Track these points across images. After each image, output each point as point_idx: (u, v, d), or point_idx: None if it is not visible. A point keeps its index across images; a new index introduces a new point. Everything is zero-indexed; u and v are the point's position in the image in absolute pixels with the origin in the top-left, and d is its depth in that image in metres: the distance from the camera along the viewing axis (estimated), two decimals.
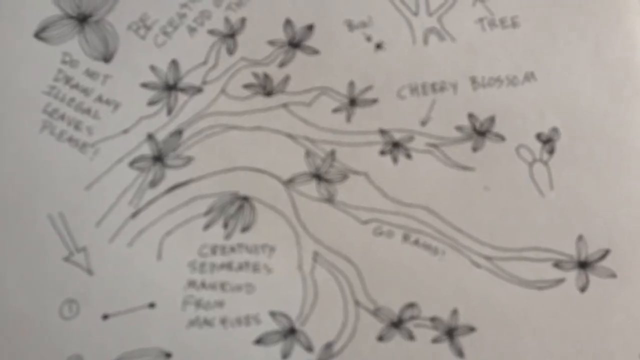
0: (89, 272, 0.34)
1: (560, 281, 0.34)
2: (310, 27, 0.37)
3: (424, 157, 0.35)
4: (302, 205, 0.35)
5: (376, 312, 0.33)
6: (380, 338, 0.33)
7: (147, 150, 0.35)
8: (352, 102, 0.36)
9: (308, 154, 0.35)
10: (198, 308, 0.33)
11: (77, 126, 0.35)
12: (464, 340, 0.33)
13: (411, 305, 0.33)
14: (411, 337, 0.33)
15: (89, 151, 0.35)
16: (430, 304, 0.34)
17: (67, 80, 0.36)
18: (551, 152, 0.35)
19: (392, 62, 0.36)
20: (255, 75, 0.36)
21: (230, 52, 0.37)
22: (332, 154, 0.35)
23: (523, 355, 0.33)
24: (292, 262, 0.34)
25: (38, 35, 0.36)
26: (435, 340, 0.33)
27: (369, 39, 0.37)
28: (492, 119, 0.36)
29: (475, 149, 0.35)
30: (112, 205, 0.35)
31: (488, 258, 0.34)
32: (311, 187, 0.35)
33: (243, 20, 0.37)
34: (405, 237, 0.34)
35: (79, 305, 0.33)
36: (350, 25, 0.37)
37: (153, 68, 0.36)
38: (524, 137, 0.35)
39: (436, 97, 0.36)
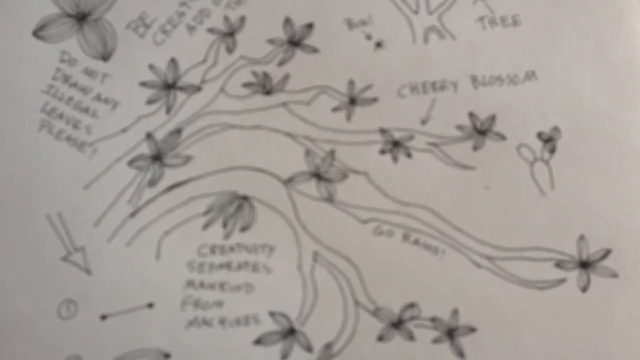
0: (88, 272, 0.34)
1: (561, 281, 0.34)
2: (309, 26, 0.37)
3: (424, 156, 0.35)
4: (302, 205, 0.35)
5: (376, 312, 0.33)
6: (380, 338, 0.33)
7: (145, 149, 0.35)
8: (352, 101, 0.36)
9: (308, 153, 0.35)
10: (197, 308, 0.33)
11: (75, 125, 0.35)
12: (464, 341, 0.33)
13: (411, 306, 0.33)
14: (411, 337, 0.33)
15: (87, 150, 0.35)
16: (430, 304, 0.33)
17: (66, 79, 0.36)
18: (552, 151, 0.35)
19: (392, 61, 0.36)
20: (255, 74, 0.36)
21: (230, 50, 0.37)
22: (332, 153, 0.35)
23: (524, 355, 0.33)
24: (291, 262, 0.34)
25: (36, 33, 0.36)
26: (435, 341, 0.33)
27: (369, 37, 0.37)
28: (492, 118, 0.36)
29: (475, 148, 0.35)
30: (111, 204, 0.34)
31: (489, 258, 0.34)
32: (311, 187, 0.35)
33: (242, 19, 0.37)
34: (406, 237, 0.34)
35: (77, 306, 0.33)
36: (350, 24, 0.37)
37: (152, 67, 0.36)
38: (525, 136, 0.35)
39: (436, 96, 0.36)
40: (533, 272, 0.34)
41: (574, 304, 0.33)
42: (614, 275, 0.34)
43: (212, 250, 0.34)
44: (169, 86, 0.36)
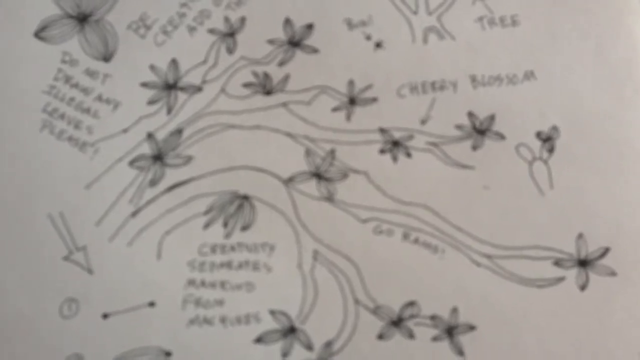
0: (89, 271, 0.34)
1: (560, 279, 0.34)
2: (309, 26, 0.37)
3: (424, 156, 0.35)
4: (302, 204, 0.35)
5: (376, 311, 0.33)
6: (380, 336, 0.33)
7: (146, 149, 0.35)
8: (352, 101, 0.36)
9: (308, 152, 0.35)
10: (198, 307, 0.33)
11: (77, 125, 0.35)
12: (464, 339, 0.33)
13: (411, 304, 0.33)
14: (411, 335, 0.33)
15: (88, 150, 0.35)
16: (430, 303, 0.33)
17: (67, 79, 0.36)
18: (551, 150, 0.35)
19: (392, 61, 0.36)
20: (255, 74, 0.36)
21: (230, 51, 0.37)
22: (332, 152, 0.35)
23: (523, 353, 0.33)
24: (292, 260, 0.34)
25: (38, 34, 0.36)
26: (435, 339, 0.33)
27: (368, 37, 0.37)
28: (492, 118, 0.36)
29: (475, 148, 0.35)
30: (112, 204, 0.35)
31: (488, 256, 0.34)
32: (311, 186, 0.35)
33: (243, 20, 0.37)
34: (405, 236, 0.34)
35: (79, 305, 0.33)
36: (350, 24, 0.37)
37: (153, 67, 0.36)
38: (524, 136, 0.35)
39: (436, 95, 0.36)
40: (532, 270, 0.34)
41: (573, 302, 0.34)
42: (613, 273, 0.34)
43: (213, 249, 0.34)
44: (170, 87, 0.36)
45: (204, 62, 0.36)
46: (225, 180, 0.35)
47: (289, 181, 0.35)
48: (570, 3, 0.37)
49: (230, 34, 0.37)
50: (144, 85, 0.36)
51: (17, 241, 0.34)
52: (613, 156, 0.35)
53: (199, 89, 0.36)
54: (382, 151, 0.35)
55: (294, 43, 0.37)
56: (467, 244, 0.34)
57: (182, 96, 0.36)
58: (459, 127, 0.36)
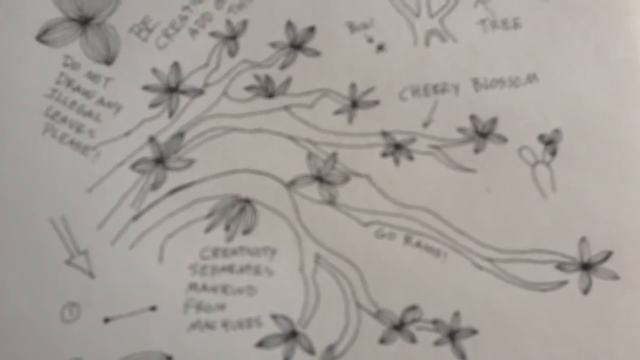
0: (91, 275, 0.34)
1: (562, 283, 0.34)
2: (311, 29, 0.37)
3: (426, 159, 0.35)
4: (304, 208, 0.35)
5: (378, 315, 0.33)
6: (382, 341, 0.33)
7: (148, 152, 0.35)
8: (354, 104, 0.36)
9: (310, 156, 0.35)
10: (199, 311, 0.33)
11: (78, 129, 0.35)
12: (466, 343, 0.33)
13: (413, 308, 0.33)
14: (413, 339, 0.33)
15: (90, 154, 0.35)
16: (432, 307, 0.33)
17: (69, 83, 0.36)
18: (553, 153, 0.35)
19: (394, 64, 0.36)
20: (257, 77, 0.36)
21: (232, 54, 0.37)
22: (334, 156, 0.35)
23: (525, 357, 0.33)
24: (293, 264, 0.34)
25: (40, 38, 0.36)
26: (437, 343, 0.33)
27: (370, 40, 0.37)
28: (494, 121, 0.36)
29: (477, 151, 0.35)
30: (114, 208, 0.35)
31: (490, 260, 0.34)
32: (313, 190, 0.35)
33: (244, 23, 0.37)
34: (407, 239, 0.34)
35: (80, 309, 0.33)
36: (352, 27, 0.37)
37: (155, 70, 0.36)
38: (526, 139, 0.35)
39: (438, 98, 0.36)
40: (534, 274, 0.34)
41: (575, 305, 0.33)
42: (615, 277, 0.34)
43: (215, 253, 0.34)
44: (172, 90, 0.36)
45: (206, 65, 0.36)
46: (227, 183, 0.35)
47: (290, 184, 0.35)
48: (571, 4, 0.37)
49: (232, 37, 0.37)
50: (146, 88, 0.36)
51: (19, 245, 0.34)
52: (615, 158, 0.35)
53: (200, 92, 0.36)
54: (384, 154, 0.35)
55: (296, 46, 0.37)
56: (469, 248, 0.34)
57: (183, 99, 0.36)
58: (461, 130, 0.36)
